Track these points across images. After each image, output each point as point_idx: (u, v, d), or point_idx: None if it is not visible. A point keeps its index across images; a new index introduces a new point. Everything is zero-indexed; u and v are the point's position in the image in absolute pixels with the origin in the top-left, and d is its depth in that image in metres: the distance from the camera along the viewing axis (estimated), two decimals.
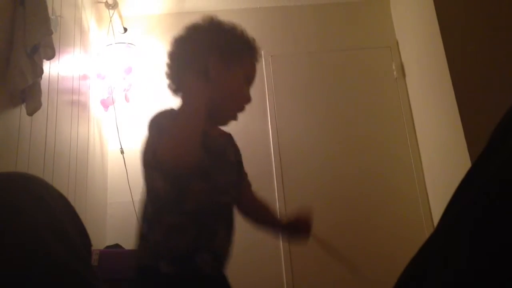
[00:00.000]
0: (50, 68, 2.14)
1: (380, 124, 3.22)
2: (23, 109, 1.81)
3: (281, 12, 3.52)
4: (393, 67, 3.32)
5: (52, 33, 1.90)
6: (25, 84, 1.71)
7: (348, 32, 3.47)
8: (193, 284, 1.18)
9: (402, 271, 0.54)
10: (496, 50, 2.45)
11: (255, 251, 2.82)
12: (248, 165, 1.52)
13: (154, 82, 3.33)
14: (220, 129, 1.44)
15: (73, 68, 2.54)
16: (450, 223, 0.51)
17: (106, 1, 3.02)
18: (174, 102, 1.40)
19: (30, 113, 1.81)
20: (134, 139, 3.15)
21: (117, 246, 2.60)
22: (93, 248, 0.92)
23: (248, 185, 1.50)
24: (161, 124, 1.29)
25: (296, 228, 1.49)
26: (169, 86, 1.47)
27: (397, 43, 3.39)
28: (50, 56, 1.94)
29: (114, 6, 3.05)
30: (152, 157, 1.23)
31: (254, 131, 3.17)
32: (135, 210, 2.90)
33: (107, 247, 2.60)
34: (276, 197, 3.03)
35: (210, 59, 1.31)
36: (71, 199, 0.85)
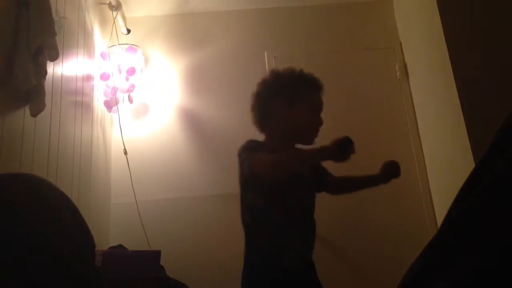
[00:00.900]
0: (54, 70, 2.15)
1: (383, 124, 3.21)
2: (27, 110, 1.81)
3: (284, 13, 3.51)
4: (397, 67, 3.32)
5: (56, 34, 1.91)
6: (29, 85, 1.72)
7: (352, 33, 3.46)
8: (285, 277, 1.62)
9: (406, 271, 0.54)
10: (499, 51, 2.45)
11: None
12: None
13: (157, 83, 3.34)
14: None
15: (77, 69, 2.54)
16: (454, 223, 0.51)
17: (110, 3, 3.02)
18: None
19: (34, 114, 1.81)
20: (138, 140, 3.16)
21: (120, 246, 2.60)
22: (96, 248, 0.92)
23: (330, 175, 1.99)
24: (252, 147, 1.70)
25: (388, 171, 1.88)
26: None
27: (401, 44, 3.38)
28: (54, 57, 1.94)
29: (117, 7, 3.06)
30: (250, 174, 1.61)
31: (257, 132, 3.16)
32: (138, 211, 2.91)
33: (111, 247, 2.60)
34: None
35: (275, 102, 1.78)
36: (74, 200, 0.85)
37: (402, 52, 3.35)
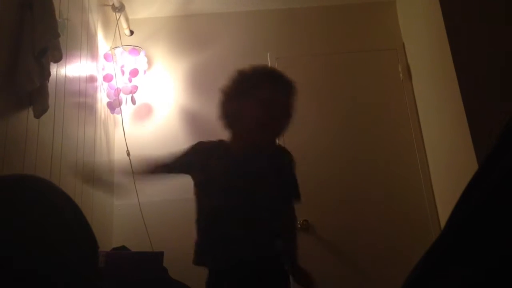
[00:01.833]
0: (57, 71, 2.15)
1: (386, 126, 3.21)
2: (30, 111, 1.82)
3: (287, 14, 3.52)
4: (399, 69, 3.31)
5: (59, 36, 1.91)
6: (32, 86, 1.72)
7: (355, 34, 3.46)
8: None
9: (409, 273, 0.54)
10: (502, 52, 2.44)
11: None
12: None
13: (160, 84, 3.34)
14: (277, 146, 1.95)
15: (80, 70, 2.55)
16: (458, 224, 0.51)
17: (113, 4, 3.03)
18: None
19: (38, 115, 1.82)
20: (141, 141, 3.17)
21: (123, 248, 2.60)
22: (99, 250, 0.92)
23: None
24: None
25: (300, 277, 1.76)
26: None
27: (403, 45, 3.38)
28: (58, 59, 1.95)
29: (120, 9, 3.07)
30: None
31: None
32: (141, 212, 2.91)
33: (114, 249, 2.60)
34: None
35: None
36: (77, 201, 0.85)
37: (405, 54, 3.35)
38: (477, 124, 2.34)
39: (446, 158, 2.78)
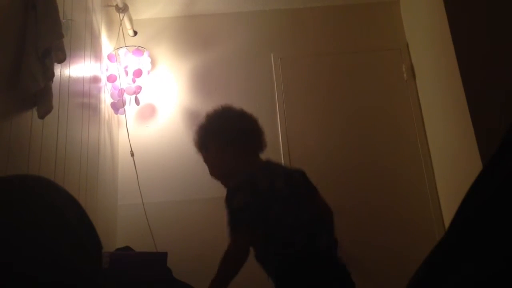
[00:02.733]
0: (61, 72, 2.16)
1: (390, 126, 3.20)
2: (34, 112, 1.82)
3: (290, 14, 3.51)
4: (403, 69, 3.31)
5: (63, 36, 1.92)
6: (36, 87, 1.72)
7: (358, 34, 3.46)
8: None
9: (413, 274, 0.54)
10: (506, 51, 2.43)
11: None
12: None
13: (164, 85, 3.35)
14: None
15: (84, 71, 2.56)
16: (462, 224, 0.51)
17: (116, 5, 3.04)
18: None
19: (42, 116, 1.82)
20: (145, 142, 3.17)
21: (127, 248, 2.60)
22: (103, 250, 0.92)
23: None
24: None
25: None
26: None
27: (407, 45, 3.37)
28: (61, 59, 1.95)
29: (124, 9, 3.07)
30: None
31: None
32: (145, 213, 2.91)
33: (118, 249, 2.61)
34: None
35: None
36: (81, 201, 0.85)
37: (409, 53, 3.34)
38: (482, 123, 2.33)
39: (450, 158, 2.77)
